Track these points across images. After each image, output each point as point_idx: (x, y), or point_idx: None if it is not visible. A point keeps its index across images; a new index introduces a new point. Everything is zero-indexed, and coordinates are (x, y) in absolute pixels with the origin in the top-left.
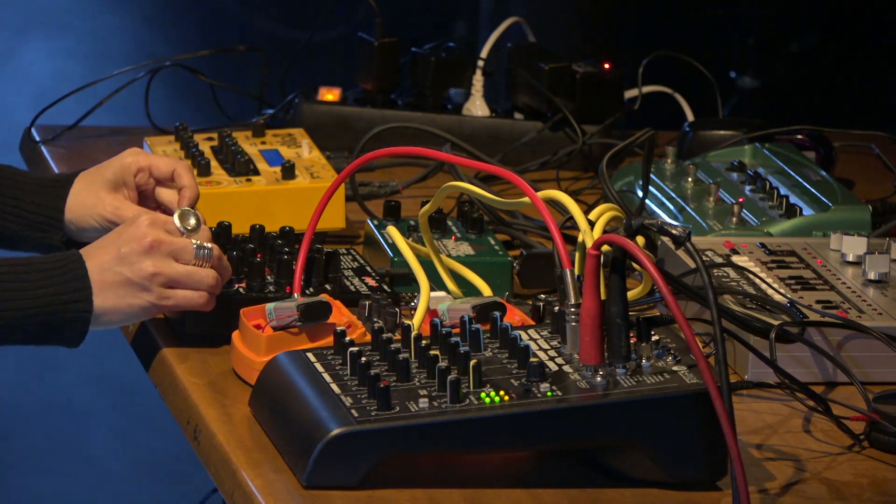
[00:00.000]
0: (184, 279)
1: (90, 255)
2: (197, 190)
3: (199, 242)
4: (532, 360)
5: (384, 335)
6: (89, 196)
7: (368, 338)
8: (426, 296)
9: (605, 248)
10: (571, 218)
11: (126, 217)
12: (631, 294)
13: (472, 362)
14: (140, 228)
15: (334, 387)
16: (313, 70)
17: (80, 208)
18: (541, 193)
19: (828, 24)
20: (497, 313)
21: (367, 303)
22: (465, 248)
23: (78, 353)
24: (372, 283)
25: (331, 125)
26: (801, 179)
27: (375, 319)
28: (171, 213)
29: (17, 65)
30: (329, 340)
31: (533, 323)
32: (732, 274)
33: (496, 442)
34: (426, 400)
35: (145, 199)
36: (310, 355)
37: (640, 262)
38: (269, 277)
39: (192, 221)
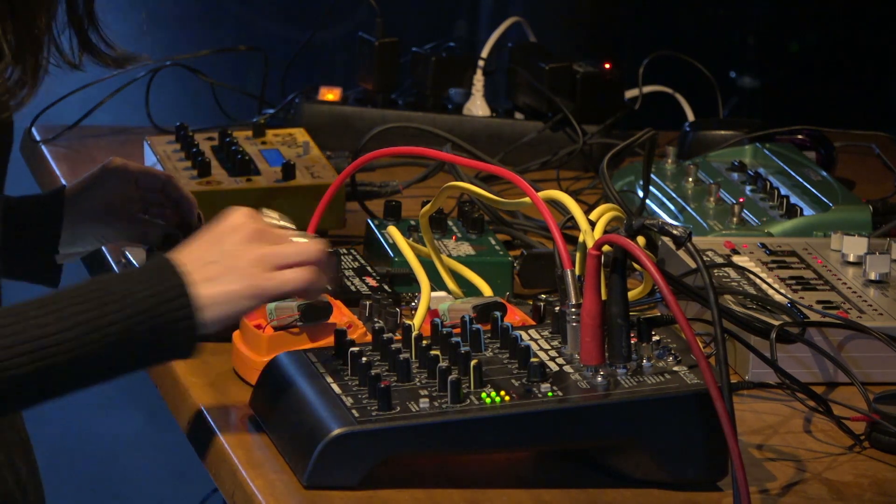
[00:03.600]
0: (293, 258)
1: (184, 253)
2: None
3: (301, 232)
4: (533, 360)
5: (385, 335)
6: (85, 226)
7: (369, 338)
8: (427, 296)
9: (606, 248)
10: (572, 218)
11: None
12: (632, 294)
13: (473, 362)
14: (238, 218)
15: (335, 387)
16: (313, 70)
17: (81, 236)
18: (541, 193)
19: (828, 24)
20: (498, 313)
21: (367, 303)
22: (466, 248)
23: None
24: (372, 283)
25: (331, 125)
26: (801, 179)
27: (376, 319)
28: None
29: None
30: (330, 340)
31: (533, 323)
32: (733, 274)
33: (497, 442)
34: (427, 400)
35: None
36: (310, 355)
37: (641, 263)
38: None
39: (282, 222)
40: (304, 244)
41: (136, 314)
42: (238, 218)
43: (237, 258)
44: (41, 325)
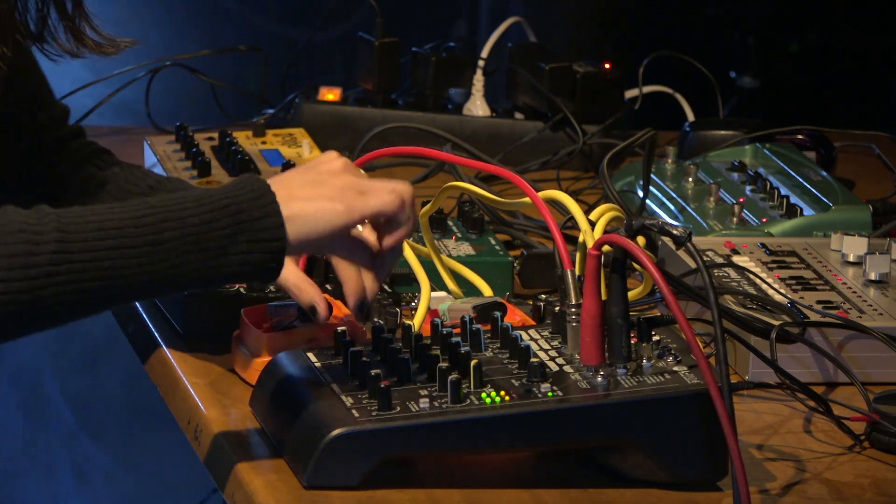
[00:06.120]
0: (383, 186)
1: (274, 180)
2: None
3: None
4: (533, 360)
5: (385, 335)
6: None
7: (369, 338)
8: (427, 296)
9: (606, 248)
10: (572, 218)
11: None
12: (632, 294)
13: (473, 362)
14: (330, 155)
15: (334, 387)
16: (313, 70)
17: None
18: (541, 193)
19: (828, 24)
20: (498, 313)
21: None
22: (466, 248)
23: (71, 352)
24: None
25: (331, 125)
26: (801, 179)
27: (376, 319)
28: None
29: None
30: (329, 340)
31: (534, 323)
32: (733, 274)
33: (497, 442)
34: (427, 400)
35: None
36: (310, 355)
37: (641, 263)
38: None
39: None
40: (393, 181)
41: (217, 209)
42: (329, 155)
43: (327, 182)
44: (112, 210)
